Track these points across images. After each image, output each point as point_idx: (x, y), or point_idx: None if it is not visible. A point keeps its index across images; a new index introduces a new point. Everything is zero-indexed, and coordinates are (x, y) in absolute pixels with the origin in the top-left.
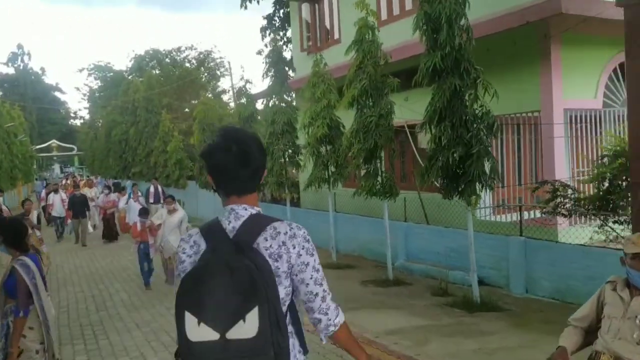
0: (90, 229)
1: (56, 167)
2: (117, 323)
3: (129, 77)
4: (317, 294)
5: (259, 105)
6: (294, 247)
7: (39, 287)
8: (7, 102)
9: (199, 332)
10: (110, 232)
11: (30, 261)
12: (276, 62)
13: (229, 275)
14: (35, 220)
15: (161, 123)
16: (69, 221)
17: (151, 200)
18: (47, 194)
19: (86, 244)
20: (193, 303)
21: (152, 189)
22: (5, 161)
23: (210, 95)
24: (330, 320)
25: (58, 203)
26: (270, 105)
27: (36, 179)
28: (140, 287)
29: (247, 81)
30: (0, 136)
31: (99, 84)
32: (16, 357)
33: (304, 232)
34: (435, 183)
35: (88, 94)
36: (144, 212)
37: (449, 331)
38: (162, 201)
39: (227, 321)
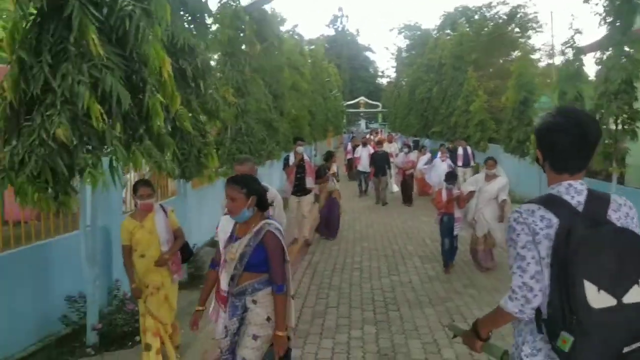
0: (395, 187)
1: (362, 123)
2: (408, 294)
3: (436, 35)
4: None
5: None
6: (633, 218)
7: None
8: (326, 60)
9: (600, 299)
10: (406, 195)
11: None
12: (619, 5)
13: (618, 241)
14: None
15: (466, 81)
16: (372, 178)
17: (459, 164)
18: (354, 147)
19: (387, 201)
20: (592, 272)
21: (460, 151)
22: (320, 113)
23: (519, 54)
24: None
25: (365, 157)
26: (604, 59)
27: (344, 132)
28: (436, 254)
29: (577, 31)
30: (318, 90)
31: (407, 43)
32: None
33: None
34: None
35: (396, 53)
36: (452, 177)
37: None
38: (471, 164)
39: (623, 287)
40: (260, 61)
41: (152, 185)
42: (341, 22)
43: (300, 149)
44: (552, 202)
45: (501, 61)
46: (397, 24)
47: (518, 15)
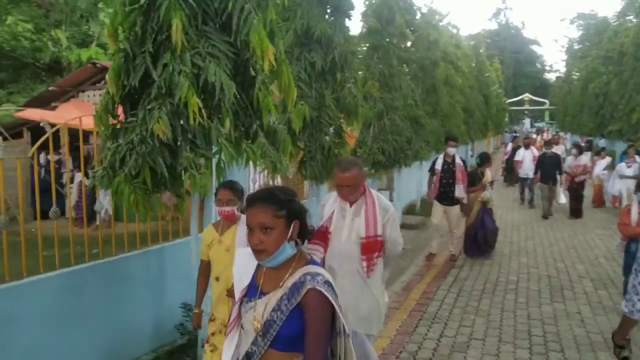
0: (563, 197)
1: (526, 121)
2: (576, 329)
3: (614, 23)
4: None
5: None
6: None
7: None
8: (486, 55)
9: None
10: (576, 207)
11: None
12: None
13: None
14: (490, 179)
15: None
16: (537, 184)
17: None
18: (514, 148)
19: (551, 213)
20: None
21: None
22: (479, 111)
23: None
24: None
25: (528, 161)
26: None
27: (506, 131)
28: (613, 277)
29: None
30: (476, 86)
31: (580, 34)
32: None
33: None
34: None
35: (567, 45)
36: None
37: None
38: None
39: None
40: (412, 54)
41: (237, 188)
42: (504, 15)
43: (451, 149)
44: None
45: None
46: (568, 14)
47: None
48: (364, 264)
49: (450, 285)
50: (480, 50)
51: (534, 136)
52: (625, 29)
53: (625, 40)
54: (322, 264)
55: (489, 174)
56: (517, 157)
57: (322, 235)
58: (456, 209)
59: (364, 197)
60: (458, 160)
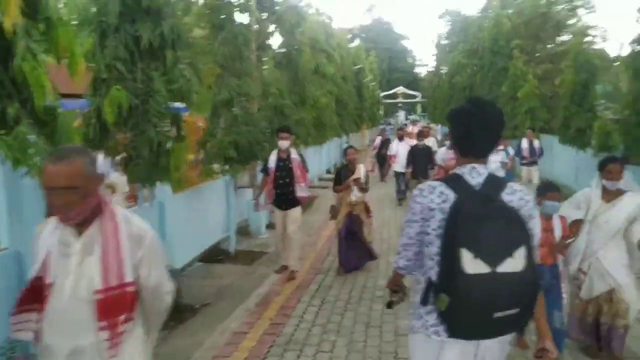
0: None
1: (401, 114)
2: None
3: (478, 17)
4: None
5: None
6: (528, 202)
7: None
8: (362, 49)
9: (474, 265)
10: None
11: None
12: None
13: (502, 217)
14: (363, 178)
15: (512, 65)
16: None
17: (524, 160)
18: (383, 142)
19: None
20: (470, 241)
21: (524, 144)
22: (353, 103)
23: (570, 35)
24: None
25: (403, 155)
26: None
27: (381, 124)
28: None
29: None
30: (349, 77)
31: (448, 29)
32: None
33: (530, 192)
34: None
35: (436, 40)
36: (551, 188)
37: None
38: (538, 163)
39: (498, 257)
40: (267, 38)
41: None
42: (377, 11)
43: (284, 143)
44: (453, 181)
45: (549, 46)
46: (437, 10)
47: None
48: (104, 334)
49: (313, 295)
50: (356, 42)
51: (410, 128)
52: (481, 25)
53: (484, 35)
54: (36, 341)
55: (361, 171)
56: (391, 151)
57: (35, 293)
58: (297, 211)
59: (101, 219)
60: (294, 155)
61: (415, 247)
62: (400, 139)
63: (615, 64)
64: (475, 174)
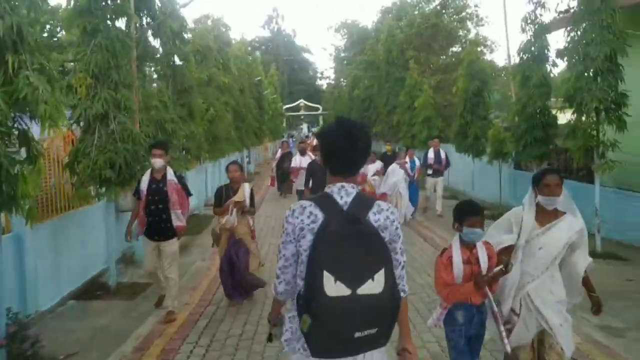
0: None
1: (304, 127)
2: None
3: (374, 30)
4: (400, 262)
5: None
6: (394, 222)
7: None
8: (261, 62)
9: (335, 288)
10: None
11: None
12: None
13: (361, 240)
14: (247, 199)
15: (408, 76)
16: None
17: (429, 172)
18: (284, 154)
19: None
20: (331, 264)
21: (430, 154)
22: (252, 115)
23: (462, 46)
24: (404, 287)
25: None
26: (579, 33)
27: (283, 136)
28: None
29: (540, 3)
30: (250, 90)
31: (345, 42)
32: None
33: (395, 210)
34: None
35: (334, 53)
36: (474, 212)
37: None
38: (442, 173)
39: (359, 280)
40: (149, 46)
41: None
42: (276, 23)
43: (158, 161)
44: (323, 200)
45: (443, 57)
46: (335, 22)
47: (451, 7)
48: None
49: (201, 333)
50: (257, 54)
51: (313, 140)
52: (377, 37)
53: (378, 46)
54: None
55: (246, 191)
56: (295, 164)
57: None
58: (172, 244)
59: None
60: (170, 177)
61: (293, 269)
62: (302, 152)
63: (503, 73)
64: (344, 193)
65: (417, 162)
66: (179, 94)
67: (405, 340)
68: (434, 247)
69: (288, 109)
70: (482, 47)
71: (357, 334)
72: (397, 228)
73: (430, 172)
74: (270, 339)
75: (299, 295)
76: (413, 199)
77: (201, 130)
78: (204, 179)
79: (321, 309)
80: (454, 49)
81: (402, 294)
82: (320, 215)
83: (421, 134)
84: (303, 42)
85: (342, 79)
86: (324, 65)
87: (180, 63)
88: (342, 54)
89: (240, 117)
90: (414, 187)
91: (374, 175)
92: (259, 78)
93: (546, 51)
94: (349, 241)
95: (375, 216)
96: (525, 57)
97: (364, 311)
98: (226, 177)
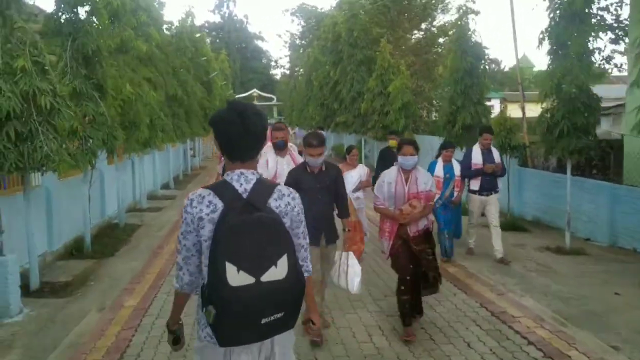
0: None
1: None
2: None
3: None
4: (302, 246)
5: None
6: (295, 207)
7: None
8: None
9: (239, 278)
10: None
11: None
12: None
13: (262, 228)
14: None
15: (378, 56)
16: None
17: (473, 186)
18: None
19: None
20: (232, 254)
21: (476, 153)
22: (198, 102)
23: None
24: (308, 267)
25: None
26: None
27: None
28: None
29: None
30: (195, 73)
31: (301, 28)
32: None
33: (297, 194)
34: None
35: (289, 40)
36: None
37: None
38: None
39: (262, 267)
40: None
41: None
42: (228, 7)
43: None
44: (221, 188)
45: (413, 37)
46: (289, 6)
47: None
48: None
49: None
50: (198, 35)
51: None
52: (336, 16)
53: (337, 28)
54: None
55: None
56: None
57: None
58: None
59: None
60: None
61: (196, 259)
62: (279, 148)
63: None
64: (243, 180)
65: (456, 168)
66: (85, 61)
67: (311, 312)
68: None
69: (240, 99)
70: (473, 17)
71: (263, 320)
72: (298, 213)
73: (474, 186)
74: (176, 341)
75: (203, 286)
76: (455, 229)
77: (113, 112)
78: (131, 178)
79: (225, 299)
80: (425, 26)
81: (305, 274)
82: (219, 205)
83: (397, 123)
84: (256, 29)
85: (297, 67)
86: (277, 53)
87: (83, 16)
88: (298, 42)
89: (176, 99)
90: (453, 211)
91: (355, 190)
92: (204, 58)
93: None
94: (249, 230)
95: (276, 202)
96: (558, 17)
97: (269, 297)
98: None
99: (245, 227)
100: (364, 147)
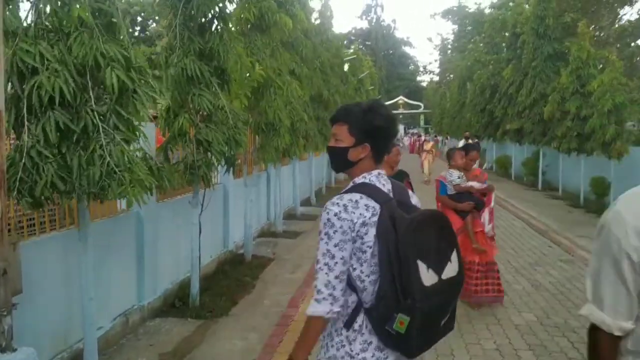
0: None
1: (400, 127)
2: None
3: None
4: None
5: None
6: (418, 203)
7: None
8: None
9: (429, 277)
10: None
11: None
12: None
13: (436, 224)
14: None
15: (575, 46)
16: None
17: None
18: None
19: None
20: (421, 252)
21: None
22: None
23: None
24: None
25: None
26: None
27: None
28: None
29: None
30: (353, 84)
31: (454, 30)
32: None
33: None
34: None
35: (440, 44)
36: None
37: None
38: None
39: (442, 265)
40: None
41: None
42: (375, 13)
43: None
44: (369, 190)
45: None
46: (437, 9)
47: None
48: None
49: None
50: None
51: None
52: (518, 6)
53: (520, 19)
54: None
55: None
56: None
57: None
58: None
59: None
60: None
61: (342, 283)
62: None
63: None
64: (383, 180)
65: None
66: (200, 33)
67: None
68: None
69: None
70: None
71: (442, 321)
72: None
73: None
74: None
75: (379, 297)
76: None
77: (238, 104)
78: (265, 195)
79: (418, 302)
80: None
81: None
82: (377, 207)
83: (604, 133)
84: (403, 34)
85: (448, 73)
86: (425, 59)
87: None
88: (450, 45)
89: (321, 101)
90: None
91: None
92: (354, 56)
93: None
94: (428, 226)
95: (413, 199)
96: None
97: (448, 296)
98: None
99: (425, 224)
100: (542, 161)
